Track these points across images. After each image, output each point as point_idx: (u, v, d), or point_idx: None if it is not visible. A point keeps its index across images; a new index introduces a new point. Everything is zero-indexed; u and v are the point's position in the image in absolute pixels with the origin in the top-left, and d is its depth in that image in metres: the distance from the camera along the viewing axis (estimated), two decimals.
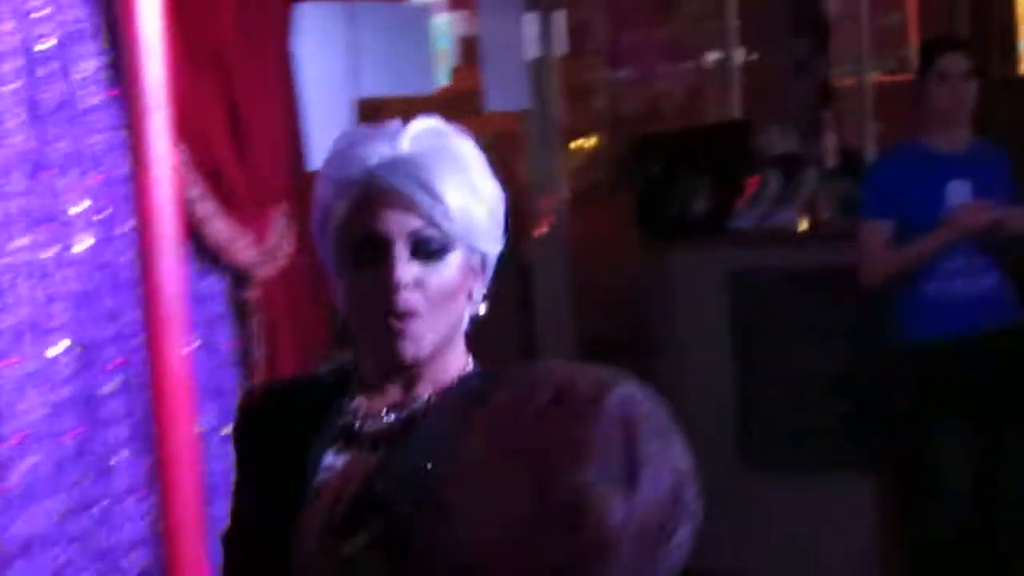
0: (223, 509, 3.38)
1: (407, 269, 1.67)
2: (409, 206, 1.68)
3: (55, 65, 3.98)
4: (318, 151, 4.73)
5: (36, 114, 3.97)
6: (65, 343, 4.02)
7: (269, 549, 1.74)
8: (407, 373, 1.72)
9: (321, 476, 1.74)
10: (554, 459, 1.43)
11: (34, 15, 3.90)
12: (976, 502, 4.35)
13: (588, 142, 8.21)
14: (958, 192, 4.40)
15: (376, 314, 1.70)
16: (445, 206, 1.68)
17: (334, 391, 1.77)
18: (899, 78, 8.27)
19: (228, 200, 4.38)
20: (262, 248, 4.44)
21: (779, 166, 6.19)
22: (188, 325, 3.83)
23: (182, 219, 3.81)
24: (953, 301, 4.36)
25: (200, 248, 4.30)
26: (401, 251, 1.68)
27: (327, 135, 4.29)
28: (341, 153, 1.75)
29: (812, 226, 5.96)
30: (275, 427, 1.78)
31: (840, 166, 6.59)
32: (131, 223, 3.91)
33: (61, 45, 3.98)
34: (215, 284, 4.49)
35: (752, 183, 6.13)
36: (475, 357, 2.09)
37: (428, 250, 1.70)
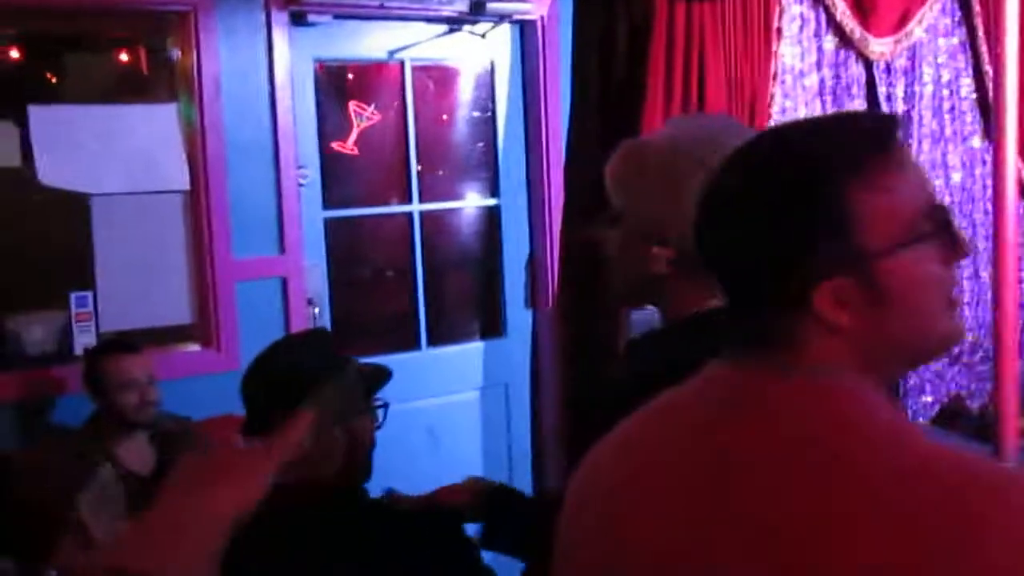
0: None
1: None
2: None
3: (944, 90, 5.56)
4: None
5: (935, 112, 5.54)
6: None
7: None
8: None
9: None
10: None
11: (941, 65, 5.51)
12: None
13: None
14: None
15: None
16: None
17: None
18: None
19: None
20: None
21: None
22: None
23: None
24: None
25: None
26: None
27: None
28: None
29: None
30: None
31: None
32: (984, 168, 5.43)
33: (955, 76, 5.54)
34: None
35: None
36: None
37: None
